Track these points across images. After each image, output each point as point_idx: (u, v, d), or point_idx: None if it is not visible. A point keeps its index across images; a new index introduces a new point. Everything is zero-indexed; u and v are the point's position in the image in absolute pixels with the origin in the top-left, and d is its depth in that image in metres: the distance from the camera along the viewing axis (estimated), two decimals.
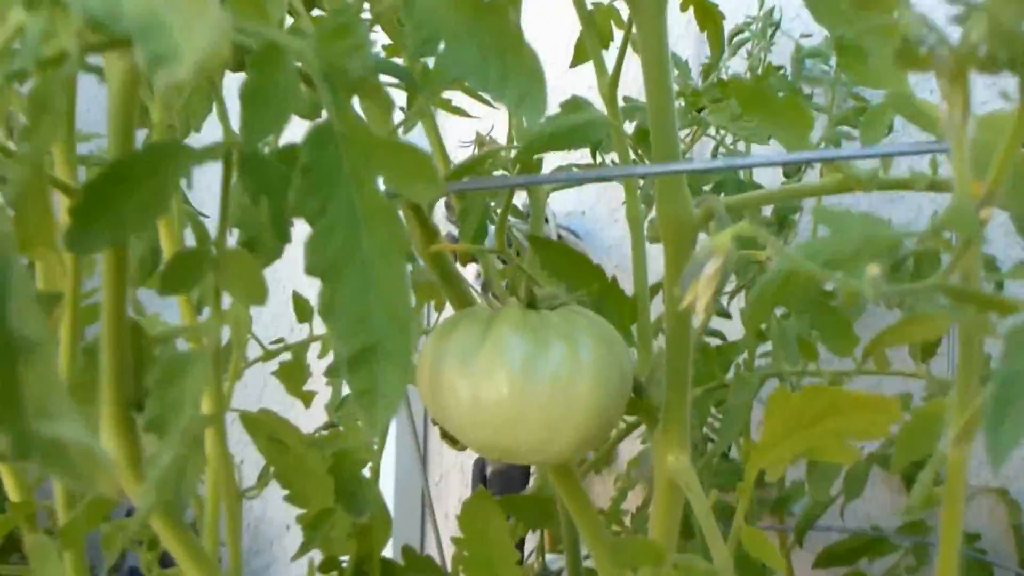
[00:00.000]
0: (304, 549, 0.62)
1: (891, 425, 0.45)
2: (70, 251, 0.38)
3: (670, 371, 0.57)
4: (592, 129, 0.54)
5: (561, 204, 1.19)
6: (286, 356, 0.86)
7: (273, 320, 1.18)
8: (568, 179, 0.52)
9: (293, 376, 0.88)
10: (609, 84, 0.73)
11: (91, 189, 0.39)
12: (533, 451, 0.53)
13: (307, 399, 0.89)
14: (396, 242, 0.38)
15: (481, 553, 0.60)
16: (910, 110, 0.49)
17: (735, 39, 1.05)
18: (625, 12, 0.78)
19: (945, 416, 0.43)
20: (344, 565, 0.65)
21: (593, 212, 1.17)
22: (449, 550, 0.64)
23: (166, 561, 0.71)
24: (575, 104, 0.54)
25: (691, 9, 0.86)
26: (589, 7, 0.78)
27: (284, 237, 0.42)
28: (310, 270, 0.37)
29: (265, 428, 0.67)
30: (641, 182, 0.85)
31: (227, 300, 0.70)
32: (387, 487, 1.23)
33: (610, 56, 0.78)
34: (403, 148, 0.38)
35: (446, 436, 0.61)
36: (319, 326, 0.81)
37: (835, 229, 0.38)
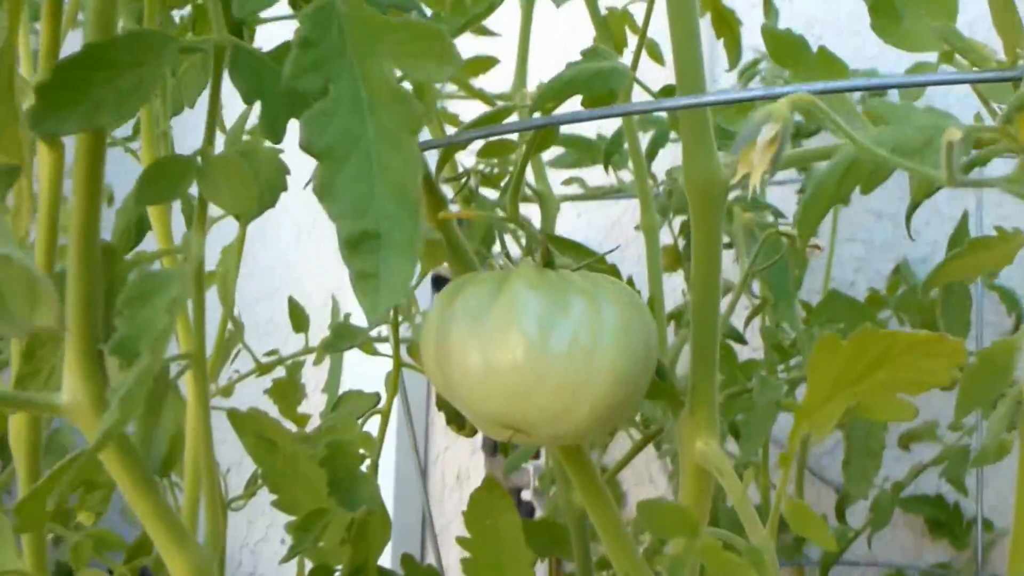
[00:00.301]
0: (292, 552, 0.56)
1: (954, 370, 0.39)
2: (34, 130, 0.33)
3: (696, 350, 0.52)
4: (613, 76, 0.49)
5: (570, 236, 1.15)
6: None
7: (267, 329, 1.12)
8: (589, 116, 0.47)
9: (286, 395, 0.82)
10: (623, 91, 0.69)
11: (64, 70, 0.34)
12: (549, 423, 0.47)
13: (301, 422, 0.84)
14: (406, 127, 0.33)
15: (489, 555, 0.53)
16: (961, 43, 0.45)
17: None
18: (640, 17, 0.75)
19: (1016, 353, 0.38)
20: (337, 574, 0.58)
21: (602, 248, 1.13)
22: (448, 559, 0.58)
23: None
24: (595, 51, 0.50)
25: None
26: (603, 12, 0.74)
27: (277, 140, 0.37)
28: (306, 147, 0.32)
29: (253, 427, 0.61)
30: (656, 190, 0.81)
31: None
32: (386, 490, 1.15)
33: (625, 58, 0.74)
34: (411, 26, 0.34)
35: (452, 420, 0.55)
36: (315, 339, 0.77)
37: (899, 121, 0.34)
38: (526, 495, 1.06)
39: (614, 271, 0.58)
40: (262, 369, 0.79)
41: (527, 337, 0.45)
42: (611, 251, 0.53)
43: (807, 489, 1.00)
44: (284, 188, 0.47)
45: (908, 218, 0.36)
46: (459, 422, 0.55)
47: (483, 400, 0.47)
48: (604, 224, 1.16)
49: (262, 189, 0.46)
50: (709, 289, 0.51)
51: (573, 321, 0.46)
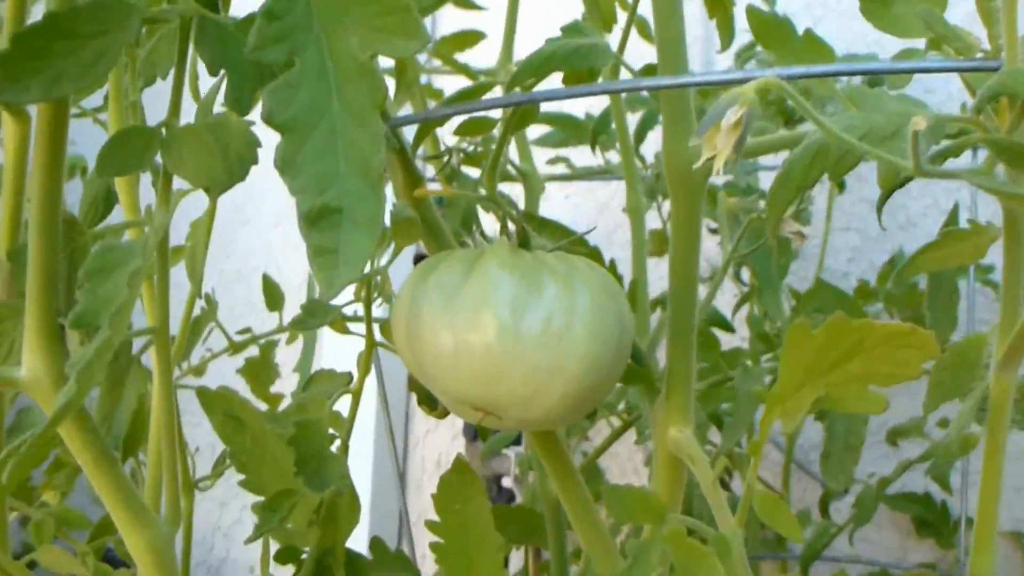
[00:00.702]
0: (258, 533, 0.56)
1: (925, 362, 0.40)
2: None
3: (673, 335, 0.53)
4: (594, 54, 0.50)
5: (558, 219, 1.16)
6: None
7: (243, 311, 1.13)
8: (567, 94, 0.47)
9: (259, 375, 0.83)
10: (610, 69, 0.70)
11: (24, 40, 0.35)
12: (519, 407, 0.47)
13: (274, 402, 0.84)
14: (371, 102, 0.34)
15: (459, 539, 0.54)
16: (944, 30, 0.45)
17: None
18: None
19: (985, 348, 0.39)
20: (304, 557, 0.59)
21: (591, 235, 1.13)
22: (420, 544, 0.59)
23: (113, 560, 0.66)
24: (576, 28, 0.50)
25: None
26: None
27: (244, 113, 0.38)
28: (268, 120, 0.32)
29: (222, 405, 0.62)
30: (645, 172, 0.82)
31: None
32: (364, 476, 1.16)
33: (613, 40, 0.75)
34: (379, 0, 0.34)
35: (424, 401, 0.55)
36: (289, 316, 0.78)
37: (870, 108, 0.34)
38: (506, 482, 1.07)
39: (595, 253, 0.58)
40: (235, 348, 0.79)
41: (499, 319, 0.45)
42: (588, 232, 0.54)
43: (793, 484, 1.01)
44: (255, 162, 0.48)
45: (879, 207, 0.37)
46: (431, 403, 0.55)
47: (453, 381, 0.47)
48: (592, 207, 1.17)
49: (232, 162, 0.46)
50: (687, 273, 0.52)
51: (546, 304, 0.46)
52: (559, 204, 1.17)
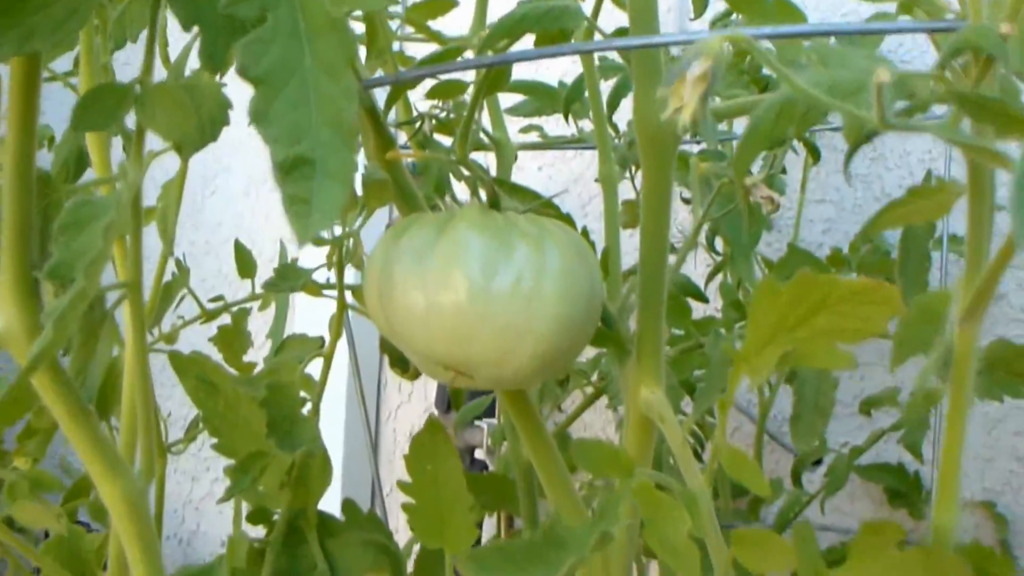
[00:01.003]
0: (229, 494, 0.58)
1: (889, 318, 0.42)
2: None
3: (643, 297, 0.54)
4: (566, 15, 0.51)
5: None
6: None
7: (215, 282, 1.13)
8: (537, 55, 0.49)
9: (232, 343, 0.84)
10: (584, 33, 0.71)
11: None
12: (490, 366, 0.49)
13: (247, 370, 0.85)
14: (343, 57, 0.35)
15: (430, 499, 0.56)
16: None
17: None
18: None
19: (951, 303, 0.41)
20: (276, 519, 0.61)
21: (563, 203, 1.15)
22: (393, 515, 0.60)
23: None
24: None
25: None
26: None
27: (216, 69, 0.39)
28: (242, 73, 0.34)
29: (195, 369, 0.63)
30: (617, 141, 0.83)
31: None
32: (336, 447, 1.17)
33: (587, 6, 0.76)
34: None
35: (396, 363, 0.57)
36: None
37: (836, 65, 0.36)
38: (479, 453, 1.08)
39: (567, 219, 0.60)
40: (207, 316, 0.80)
41: (470, 279, 0.47)
42: (558, 194, 0.55)
43: (766, 455, 1.03)
44: (226, 123, 0.49)
45: (846, 162, 0.38)
46: (403, 365, 0.57)
47: (425, 341, 0.49)
48: (566, 178, 1.18)
49: (203, 122, 0.47)
50: (657, 237, 0.53)
51: (516, 264, 0.47)
52: (533, 175, 1.18)
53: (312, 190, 0.32)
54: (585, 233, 0.65)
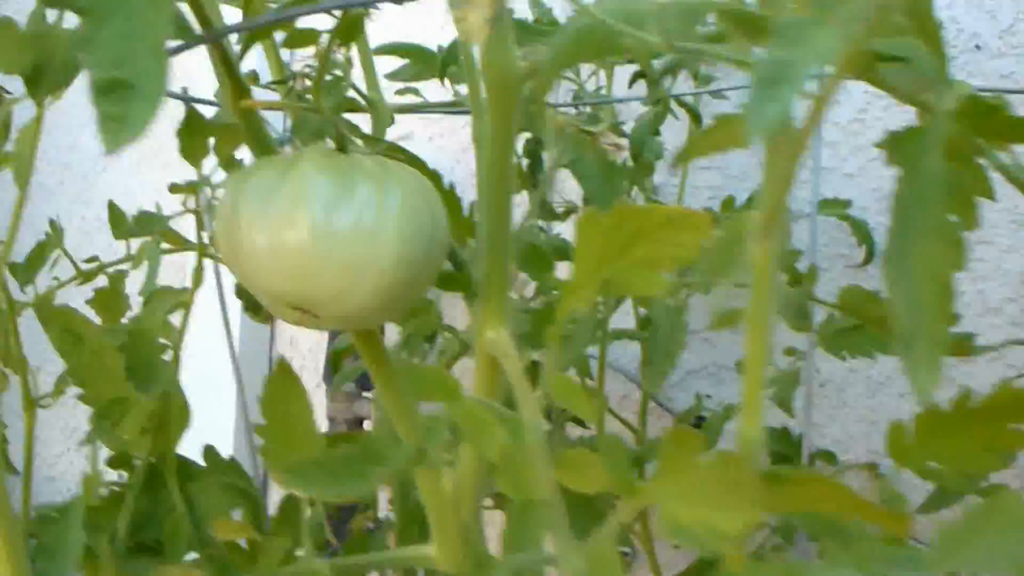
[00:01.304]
0: (90, 439, 0.60)
1: (700, 242, 0.46)
2: None
3: (489, 239, 0.57)
4: None
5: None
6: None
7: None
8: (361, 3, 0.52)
9: (110, 305, 0.86)
10: None
11: None
12: (332, 303, 0.52)
13: None
14: None
15: (282, 439, 0.59)
16: None
17: None
18: None
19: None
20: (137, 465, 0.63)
21: (452, 173, 1.19)
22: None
23: None
24: None
25: None
26: None
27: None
28: (68, 2, 0.37)
29: (61, 321, 0.66)
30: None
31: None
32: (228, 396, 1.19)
33: None
34: None
35: (249, 307, 0.60)
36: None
37: None
38: (368, 425, 1.12)
39: (420, 163, 0.63)
40: (84, 277, 0.82)
41: (311, 217, 0.50)
42: (404, 137, 0.59)
43: (652, 422, 1.07)
44: (78, 71, 0.52)
45: (645, 87, 0.42)
46: (255, 309, 0.60)
47: (270, 279, 0.52)
48: (456, 148, 1.22)
49: (57, 70, 0.50)
50: (500, 178, 0.56)
51: (358, 203, 0.51)
52: (423, 145, 1.22)
53: (127, 107, 0.36)
54: (452, 188, 0.69)
